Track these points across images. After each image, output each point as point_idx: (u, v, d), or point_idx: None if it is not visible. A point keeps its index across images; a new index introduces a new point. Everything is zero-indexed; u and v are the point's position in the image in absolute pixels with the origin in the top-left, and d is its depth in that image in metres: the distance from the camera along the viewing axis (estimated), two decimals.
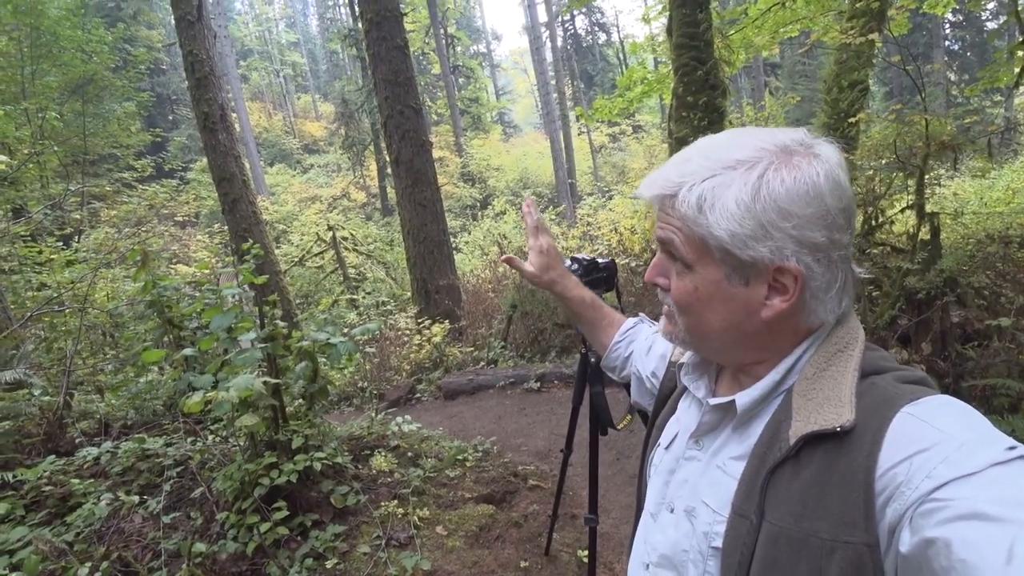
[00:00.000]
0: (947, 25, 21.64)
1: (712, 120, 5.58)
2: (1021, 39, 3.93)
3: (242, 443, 2.34)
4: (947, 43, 22.13)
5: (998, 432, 0.52)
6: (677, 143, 5.69)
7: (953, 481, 0.48)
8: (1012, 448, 0.50)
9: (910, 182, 4.80)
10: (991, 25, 20.91)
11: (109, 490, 2.22)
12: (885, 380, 0.61)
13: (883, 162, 4.78)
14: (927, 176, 4.31)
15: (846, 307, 0.65)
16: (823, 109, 5.88)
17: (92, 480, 2.33)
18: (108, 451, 2.41)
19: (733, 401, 0.67)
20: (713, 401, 0.71)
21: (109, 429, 3.03)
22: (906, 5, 5.00)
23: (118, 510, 2.13)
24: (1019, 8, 4.15)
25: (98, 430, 2.96)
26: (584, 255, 1.72)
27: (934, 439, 0.52)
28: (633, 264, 8.67)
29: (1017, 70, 4.48)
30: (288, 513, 2.15)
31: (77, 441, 2.70)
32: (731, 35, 6.42)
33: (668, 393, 0.88)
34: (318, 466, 2.29)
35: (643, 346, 1.06)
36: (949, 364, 3.93)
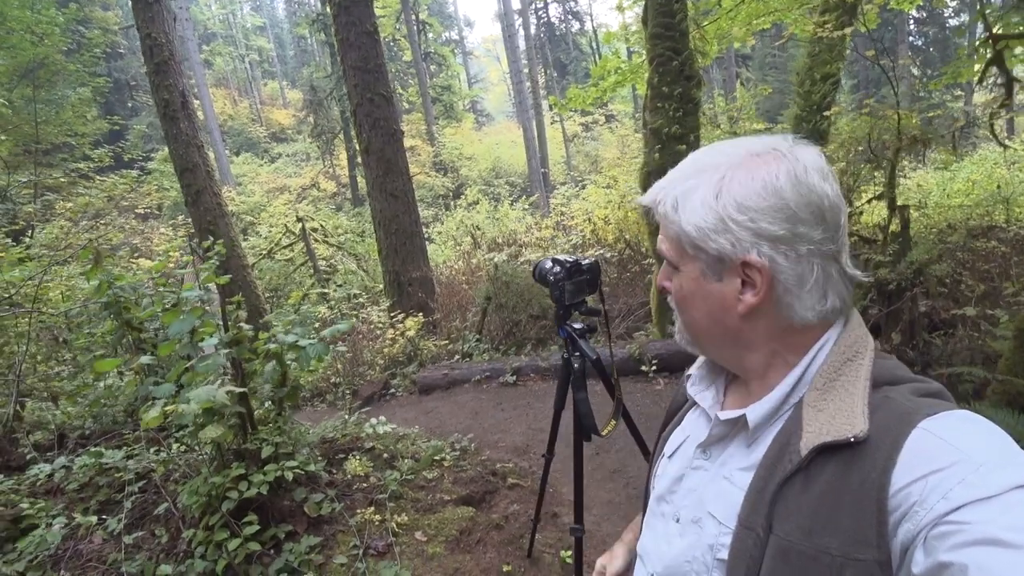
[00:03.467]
0: (911, 21, 22.19)
1: (687, 111, 5.57)
2: (985, 37, 3.99)
3: (208, 453, 2.22)
4: (911, 39, 22.71)
5: (1021, 452, 0.51)
6: (652, 133, 5.66)
7: (970, 504, 0.47)
8: None
9: (877, 174, 4.88)
10: (953, 22, 21.56)
11: (65, 509, 2.08)
12: (901, 392, 0.59)
13: (851, 155, 4.85)
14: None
15: (834, 305, 0.64)
16: (795, 101, 5.93)
17: (46, 499, 2.18)
18: (63, 466, 2.26)
19: (743, 415, 0.67)
20: (724, 415, 0.70)
21: (65, 440, 2.86)
22: (876, 0, 5.04)
23: (75, 530, 2.00)
24: (984, 9, 4.22)
25: (52, 442, 2.78)
26: (567, 256, 1.66)
27: (951, 458, 0.50)
28: (608, 255, 8.68)
29: (979, 67, 4.57)
30: (259, 526, 2.05)
31: (29, 457, 2.53)
32: (705, 26, 6.40)
33: (677, 408, 0.88)
34: (290, 475, 2.19)
35: None
36: (917, 353, 4.03)
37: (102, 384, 3.10)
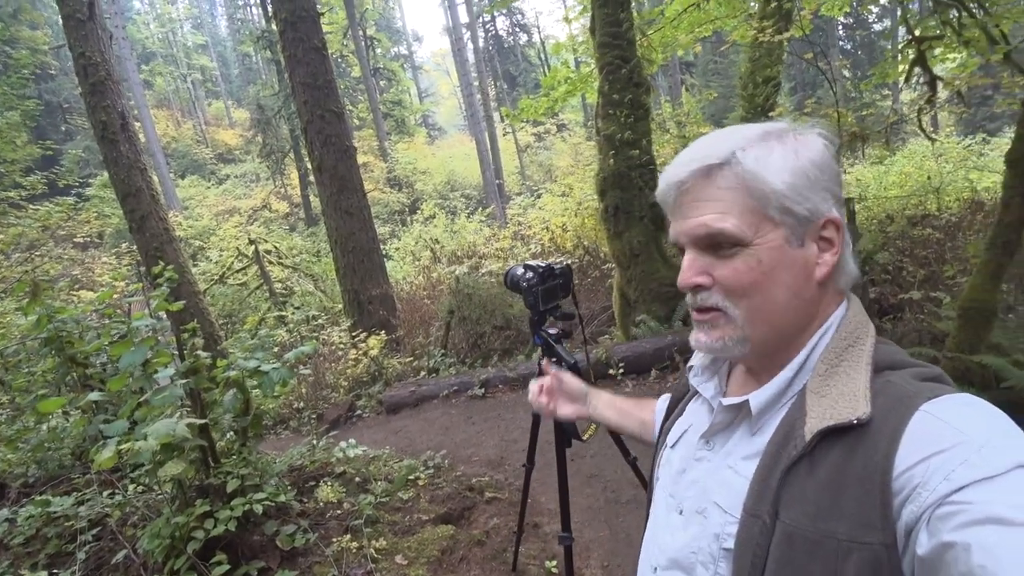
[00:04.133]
0: (840, 27, 23.53)
1: (638, 116, 5.70)
2: (908, 39, 4.24)
3: (169, 492, 2.09)
4: (841, 43, 24.06)
5: (1022, 433, 0.52)
6: (605, 140, 5.76)
7: (972, 484, 0.47)
8: None
9: None
10: (877, 27, 22.99)
11: (11, 567, 1.90)
12: (902, 377, 0.60)
13: None
14: None
15: (853, 272, 0.67)
16: (740, 104, 6.16)
17: None
18: (6, 519, 2.08)
19: (747, 401, 0.66)
20: (726, 402, 0.69)
21: (6, 490, 2.63)
22: (808, 7, 5.30)
23: None
24: (906, 14, 4.50)
25: None
26: (539, 262, 1.64)
27: (953, 440, 0.51)
28: (568, 262, 8.74)
29: (904, 67, 4.86)
30: (229, 566, 1.93)
31: None
32: (650, 34, 6.59)
33: (679, 398, 0.88)
34: (259, 508, 2.08)
35: None
36: None
37: (45, 426, 2.89)
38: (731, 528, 0.63)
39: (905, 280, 5.00)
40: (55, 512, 2.08)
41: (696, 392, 0.80)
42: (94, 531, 2.12)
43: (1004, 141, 11.76)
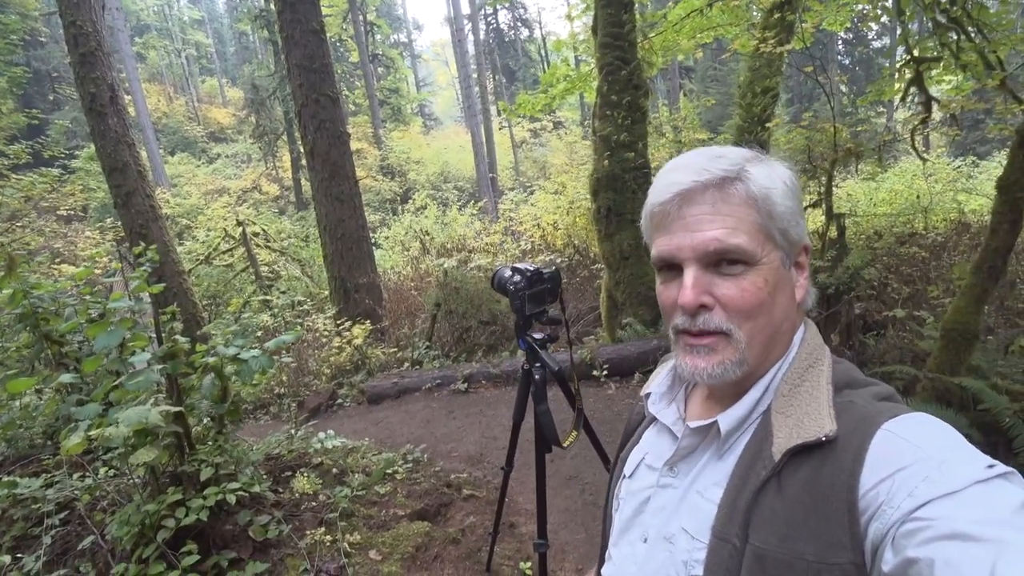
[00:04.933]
0: (840, 42, 23.71)
1: (635, 119, 5.69)
2: (907, 59, 4.27)
3: (141, 478, 2.04)
4: (840, 58, 24.26)
5: (976, 450, 0.53)
6: (601, 140, 5.75)
7: (934, 500, 0.48)
8: (991, 466, 0.50)
9: (811, 183, 5.14)
10: (876, 44, 23.22)
11: None
12: (862, 396, 0.61)
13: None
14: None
15: (814, 298, 0.69)
16: (738, 113, 6.16)
17: None
18: None
19: (715, 423, 0.65)
20: (693, 424, 0.68)
21: None
22: (811, 21, 5.32)
23: None
24: (907, 34, 4.53)
25: None
26: (527, 264, 1.62)
27: (914, 457, 0.52)
28: (558, 260, 8.74)
29: (900, 86, 4.89)
30: (200, 556, 1.90)
31: None
32: (652, 37, 6.57)
33: (634, 427, 0.86)
34: (232, 498, 2.05)
35: None
36: (853, 353, 4.25)
37: (17, 403, 2.82)
38: (699, 554, 0.62)
39: (890, 297, 5.05)
40: (22, 494, 2.03)
41: (652, 419, 0.78)
42: (62, 515, 2.07)
43: (993, 165, 11.95)
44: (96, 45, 6.73)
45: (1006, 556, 0.42)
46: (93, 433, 1.54)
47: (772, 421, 0.61)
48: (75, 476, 2.25)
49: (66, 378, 1.90)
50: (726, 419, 0.65)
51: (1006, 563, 0.42)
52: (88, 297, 2.45)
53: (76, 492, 2.08)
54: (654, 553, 0.68)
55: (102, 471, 2.30)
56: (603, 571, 0.79)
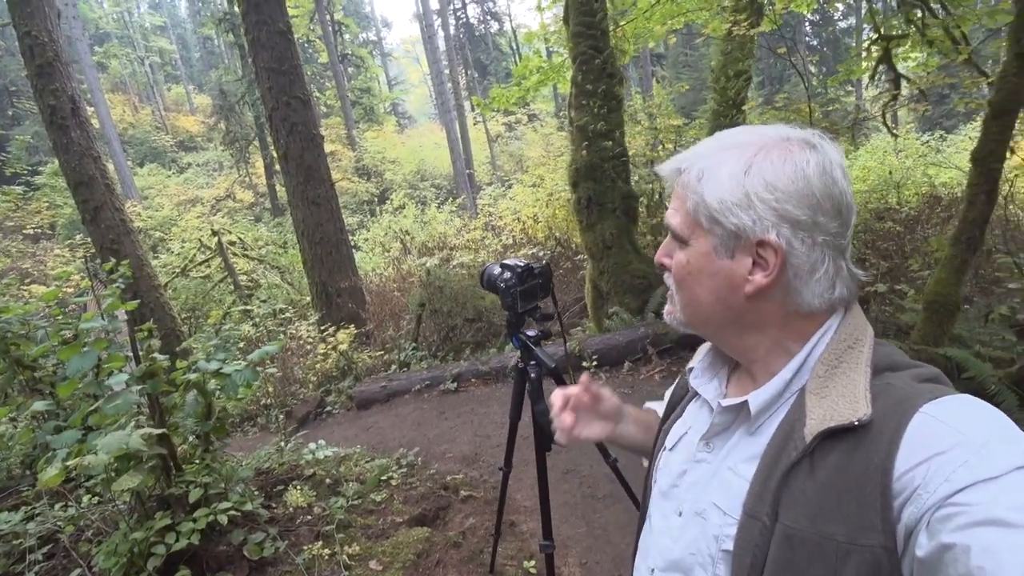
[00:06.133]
0: (807, 23, 24.00)
1: (611, 107, 5.68)
2: (875, 37, 4.32)
3: (127, 503, 1.97)
4: (807, 39, 24.54)
5: (1021, 433, 0.52)
6: (578, 130, 5.73)
7: (972, 486, 0.48)
8: None
9: None
10: (842, 24, 23.53)
11: None
12: (901, 379, 0.60)
13: None
14: None
15: (840, 296, 0.64)
16: (712, 97, 6.19)
17: None
18: None
19: (746, 402, 0.67)
20: (725, 402, 0.70)
21: None
22: (779, 3, 5.34)
23: None
24: (875, 13, 4.57)
25: None
26: (517, 260, 1.58)
27: (953, 441, 0.51)
28: (540, 253, 8.72)
29: (869, 65, 4.95)
30: None
31: None
32: (623, 25, 6.55)
33: (678, 400, 0.87)
34: (224, 518, 1.98)
35: None
36: None
37: None
38: (730, 529, 0.63)
39: (869, 272, 5.12)
40: (1, 529, 1.94)
41: (695, 394, 0.80)
42: (45, 549, 1.98)
43: (960, 138, 12.19)
44: (54, 56, 6.48)
45: None
46: (71, 463, 1.47)
47: (806, 401, 0.62)
48: (57, 506, 2.16)
49: (39, 406, 1.82)
50: (756, 399, 0.66)
51: None
52: (60, 318, 2.36)
53: (59, 523, 1.99)
54: (688, 526, 0.70)
55: (85, 499, 2.21)
56: (640, 543, 0.82)
